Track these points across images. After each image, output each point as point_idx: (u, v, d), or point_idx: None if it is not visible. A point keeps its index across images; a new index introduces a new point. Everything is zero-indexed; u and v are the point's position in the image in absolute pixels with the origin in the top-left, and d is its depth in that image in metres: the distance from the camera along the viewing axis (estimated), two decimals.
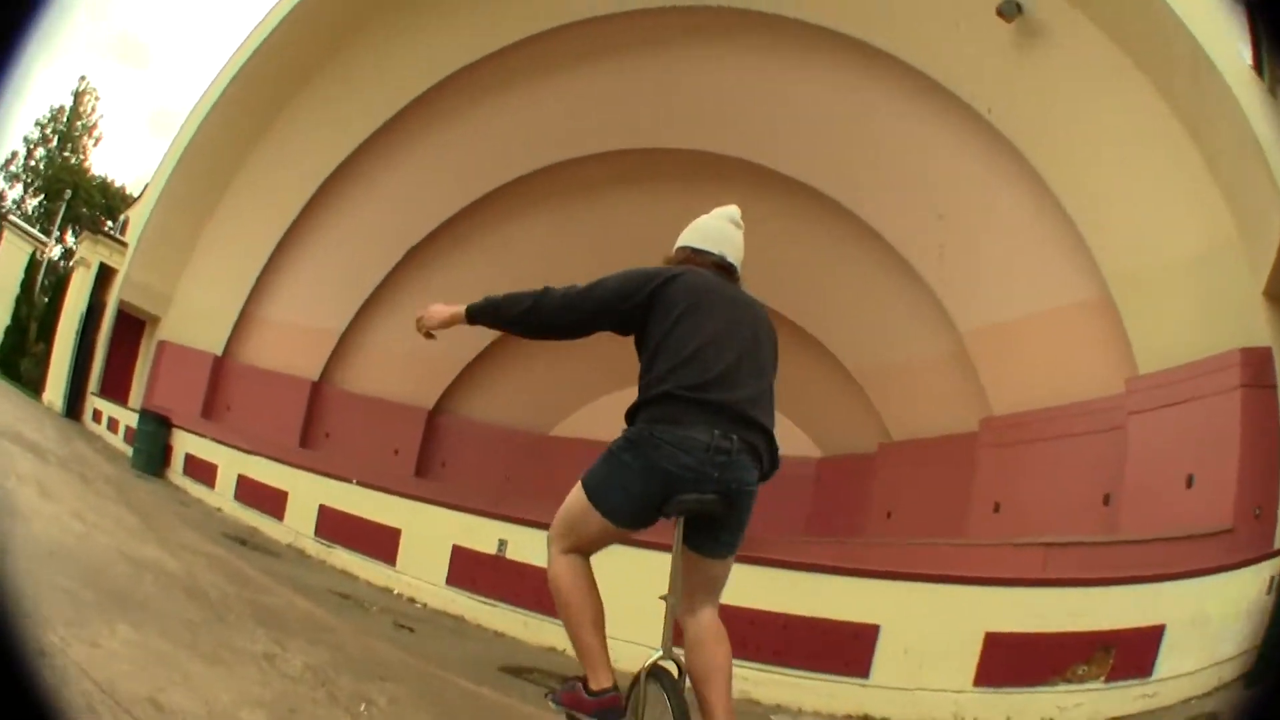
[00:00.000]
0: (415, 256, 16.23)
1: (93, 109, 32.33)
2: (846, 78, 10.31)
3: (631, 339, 2.84)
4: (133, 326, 18.37)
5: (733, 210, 3.08)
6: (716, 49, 11.72)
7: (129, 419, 15.56)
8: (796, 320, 12.31)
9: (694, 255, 2.94)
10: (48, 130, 31.41)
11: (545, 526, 2.84)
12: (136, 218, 18.41)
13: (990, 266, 9.57)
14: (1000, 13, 7.93)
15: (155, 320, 18.10)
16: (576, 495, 2.70)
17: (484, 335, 15.88)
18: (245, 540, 9.07)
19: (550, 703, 2.86)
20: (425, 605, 7.78)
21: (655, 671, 2.56)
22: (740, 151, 12.17)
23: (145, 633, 3.73)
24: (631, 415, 2.68)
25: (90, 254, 18.60)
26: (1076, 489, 8.09)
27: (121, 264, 18.16)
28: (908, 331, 11.15)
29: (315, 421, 16.79)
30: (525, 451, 16.09)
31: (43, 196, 27.17)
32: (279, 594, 6.38)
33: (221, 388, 17.00)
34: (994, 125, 8.85)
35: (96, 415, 17.67)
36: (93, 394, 18.04)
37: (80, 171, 29.81)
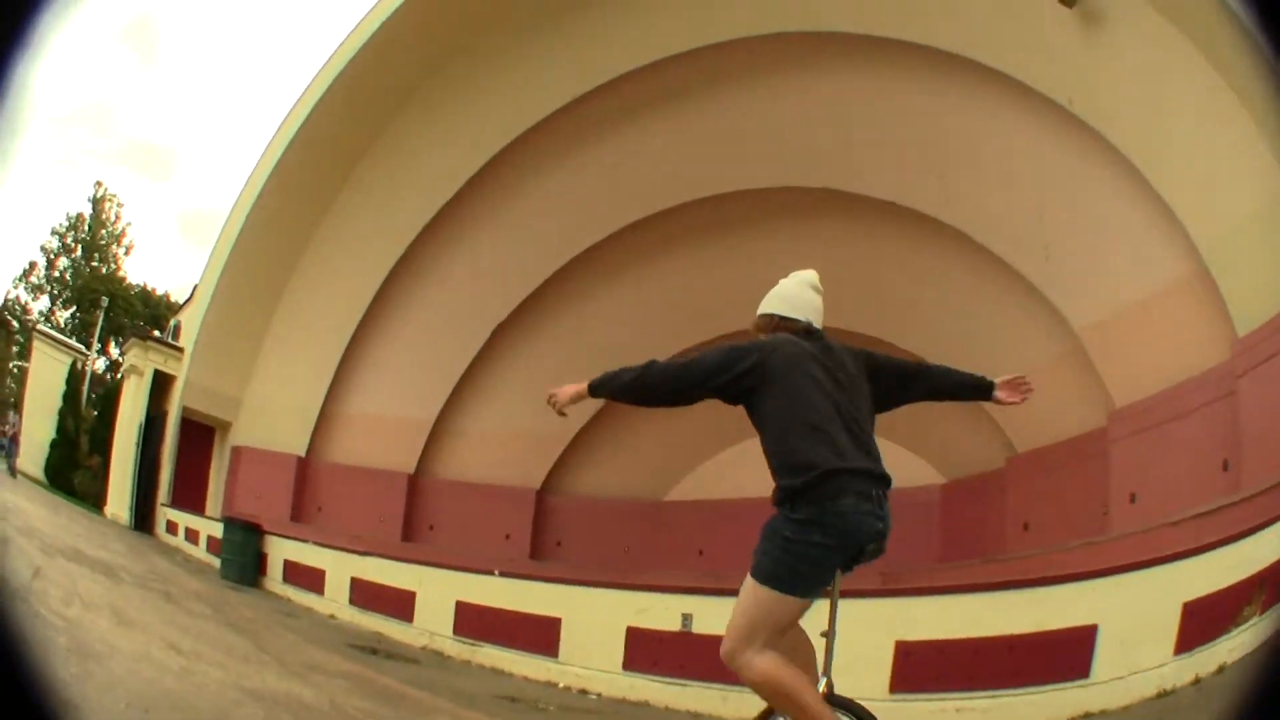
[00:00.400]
0: (502, 334, 15.54)
1: (116, 216, 31.81)
2: (921, 86, 10.05)
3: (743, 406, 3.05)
4: (201, 433, 17.67)
5: (812, 275, 3.27)
6: (782, 78, 11.36)
7: (211, 528, 14.80)
8: (904, 345, 11.76)
9: (782, 323, 3.14)
10: (68, 240, 30.91)
11: (734, 593, 2.94)
12: (190, 321, 17.84)
13: (1094, 258, 9.39)
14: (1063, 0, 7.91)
15: (225, 425, 17.42)
16: (760, 594, 2.82)
17: (584, 412, 14.67)
18: (375, 649, 8.23)
19: None
20: (600, 695, 7.15)
21: (832, 699, 2.79)
22: (823, 181, 11.64)
23: None
24: (794, 495, 2.81)
25: (141, 361, 17.90)
26: (1203, 462, 7.98)
27: (179, 370, 17.57)
28: (1020, 338, 10.73)
29: (416, 515, 15.92)
30: (642, 520, 15.26)
31: (75, 308, 26.57)
32: (443, 709, 5.59)
33: (309, 489, 16.21)
34: (1077, 115, 8.64)
35: (171, 527, 16.84)
36: (164, 505, 17.27)
37: (115, 280, 29.17)
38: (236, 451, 16.90)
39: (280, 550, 12.67)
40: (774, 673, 2.76)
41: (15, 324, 31.13)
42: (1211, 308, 7.93)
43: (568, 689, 7.28)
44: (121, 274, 29.89)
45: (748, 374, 2.93)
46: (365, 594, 10.45)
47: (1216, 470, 7.68)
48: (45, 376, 21.96)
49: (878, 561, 2.99)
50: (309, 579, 11.59)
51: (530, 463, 15.91)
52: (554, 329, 15.26)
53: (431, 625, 9.27)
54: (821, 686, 2.84)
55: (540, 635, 7.86)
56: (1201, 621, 4.83)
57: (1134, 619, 4.96)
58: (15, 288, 29.78)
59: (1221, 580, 4.94)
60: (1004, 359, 10.28)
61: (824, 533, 2.76)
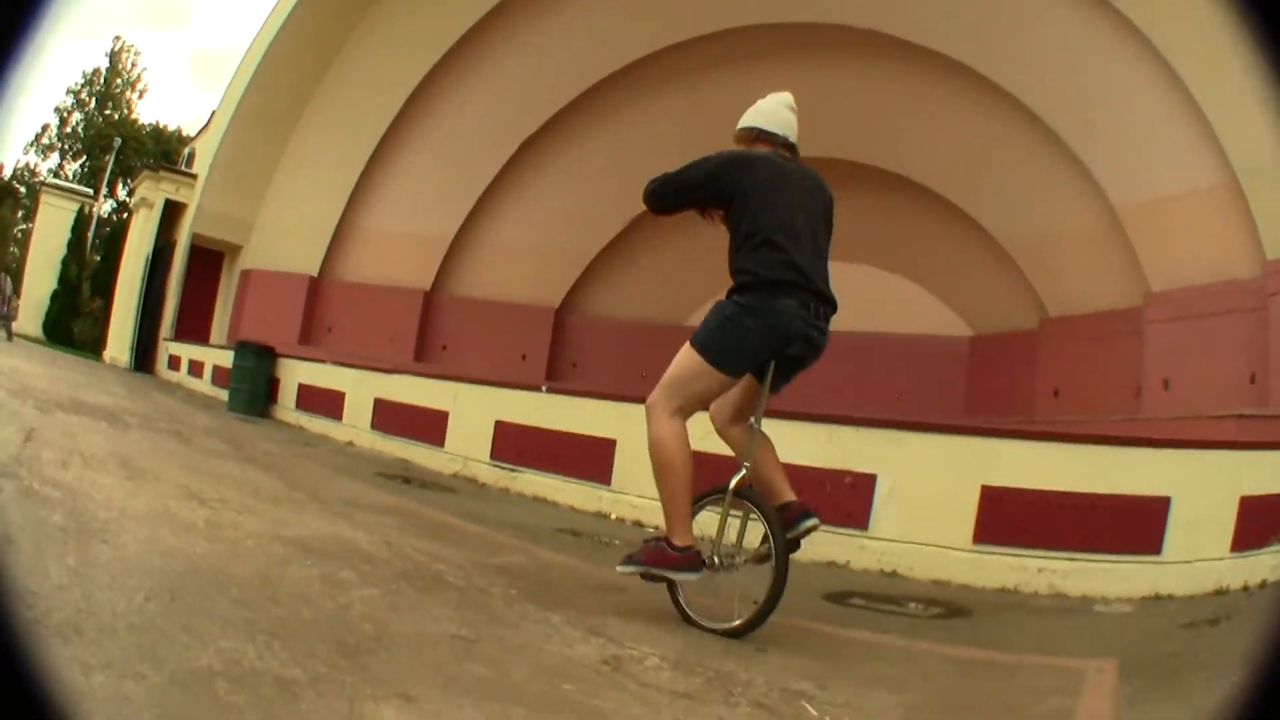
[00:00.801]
0: (529, 149, 14.39)
1: (133, 64, 30.79)
2: None
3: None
4: (209, 261, 16.47)
5: (789, 97, 3.46)
6: None
7: (217, 358, 13.50)
8: (947, 195, 11.93)
9: (762, 135, 3.35)
10: (83, 95, 29.84)
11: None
12: (206, 148, 16.55)
13: (1136, 146, 9.38)
14: None
15: (236, 250, 16.11)
16: (691, 359, 3.06)
17: (605, 230, 14.75)
18: (407, 478, 7.00)
19: (628, 568, 3.07)
20: (658, 528, 6.18)
21: (740, 490, 3.07)
22: (873, 23, 11.26)
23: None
24: (745, 288, 3.05)
25: (152, 193, 16.58)
26: (1233, 368, 8.20)
27: (191, 198, 16.49)
28: (1062, 205, 10.58)
29: (431, 334, 14.81)
30: (662, 344, 14.22)
31: (84, 159, 25.47)
32: (511, 546, 4.55)
33: (320, 310, 15.00)
34: (1132, 21, 8.71)
35: (174, 362, 15.61)
36: (166, 340, 16.09)
37: (128, 123, 28.12)
38: (245, 275, 15.63)
39: (293, 374, 11.23)
40: (667, 440, 3.01)
41: (23, 190, 30.15)
42: (1242, 222, 8.07)
43: (621, 520, 6.18)
44: (134, 116, 28.87)
45: (735, 178, 3.16)
46: (390, 417, 9.05)
47: (1244, 380, 7.87)
48: (50, 230, 20.81)
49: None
50: (326, 403, 10.14)
51: (549, 282, 14.96)
52: (582, 146, 14.24)
53: (466, 450, 8.09)
54: (737, 478, 3.07)
55: (594, 460, 6.66)
56: (1255, 522, 4.64)
57: (1200, 500, 4.67)
58: (26, 153, 28.80)
59: (1273, 486, 4.76)
60: (1045, 221, 10.80)
61: (757, 319, 3.00)
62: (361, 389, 9.62)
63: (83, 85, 30.43)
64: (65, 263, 19.76)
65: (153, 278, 16.53)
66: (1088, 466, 4.77)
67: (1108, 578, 4.51)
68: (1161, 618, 4.04)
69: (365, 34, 14.67)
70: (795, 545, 3.05)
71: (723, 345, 3.02)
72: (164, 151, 27.84)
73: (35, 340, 19.21)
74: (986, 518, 4.75)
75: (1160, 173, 9.05)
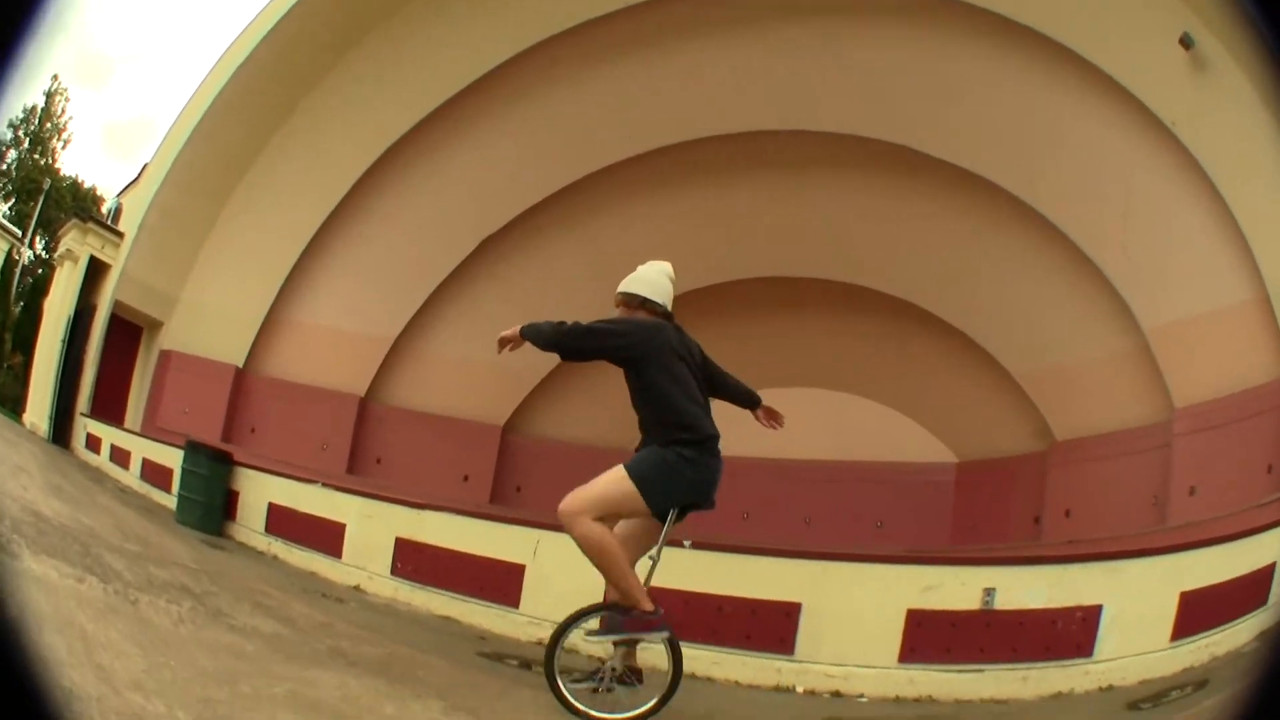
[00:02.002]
0: (487, 250, 13.19)
1: (63, 110, 29.18)
2: (1025, 64, 9.42)
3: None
4: (128, 333, 15.00)
5: (668, 266, 4.10)
6: (882, 24, 10.03)
7: (150, 451, 11.94)
8: (963, 325, 11.21)
9: (645, 304, 3.98)
10: (20, 132, 28.22)
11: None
12: (134, 205, 15.15)
13: (1168, 266, 9.29)
14: (1182, 42, 8.12)
15: (156, 326, 14.64)
16: (622, 484, 3.59)
17: (552, 357, 13.81)
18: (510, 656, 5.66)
19: (607, 636, 3.60)
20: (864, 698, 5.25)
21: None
22: (905, 139, 10.38)
23: None
24: (686, 443, 3.70)
25: (78, 246, 14.97)
26: (1253, 463, 8.17)
27: (116, 259, 15.01)
28: (1080, 330, 10.15)
29: (365, 444, 13.54)
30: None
31: (14, 199, 23.94)
32: None
33: (244, 406, 13.65)
34: (1178, 137, 8.52)
35: (92, 442, 14.01)
36: (83, 414, 14.57)
37: (51, 171, 26.62)
38: (165, 356, 14.14)
39: (261, 491, 9.51)
40: (599, 534, 3.53)
41: None
42: (1268, 332, 8.13)
43: (811, 693, 5.36)
44: (57, 165, 27.37)
45: (639, 347, 3.77)
46: (426, 564, 7.50)
47: (1262, 472, 7.93)
48: None
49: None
50: (315, 535, 8.53)
51: (495, 398, 13.72)
52: (547, 249, 13.06)
53: (541, 611, 6.51)
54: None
55: (772, 627, 5.63)
56: (1193, 615, 4.83)
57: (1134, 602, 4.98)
58: None
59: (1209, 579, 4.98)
60: (1060, 346, 10.33)
61: (693, 471, 3.65)
62: (374, 525, 8.12)
63: (22, 121, 28.61)
64: None
65: (72, 341, 14.97)
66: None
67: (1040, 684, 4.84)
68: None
69: (317, 102, 13.30)
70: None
71: (658, 486, 3.54)
72: (81, 208, 26.14)
73: None
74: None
75: (1191, 292, 8.92)
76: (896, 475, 11.76)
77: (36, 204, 21.78)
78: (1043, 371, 10.49)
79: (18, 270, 19.71)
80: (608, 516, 3.58)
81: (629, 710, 3.58)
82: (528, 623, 6.55)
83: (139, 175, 15.54)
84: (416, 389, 13.74)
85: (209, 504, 9.39)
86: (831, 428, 11.66)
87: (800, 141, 10.91)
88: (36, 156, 27.42)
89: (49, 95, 28.73)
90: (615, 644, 3.61)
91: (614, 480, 3.59)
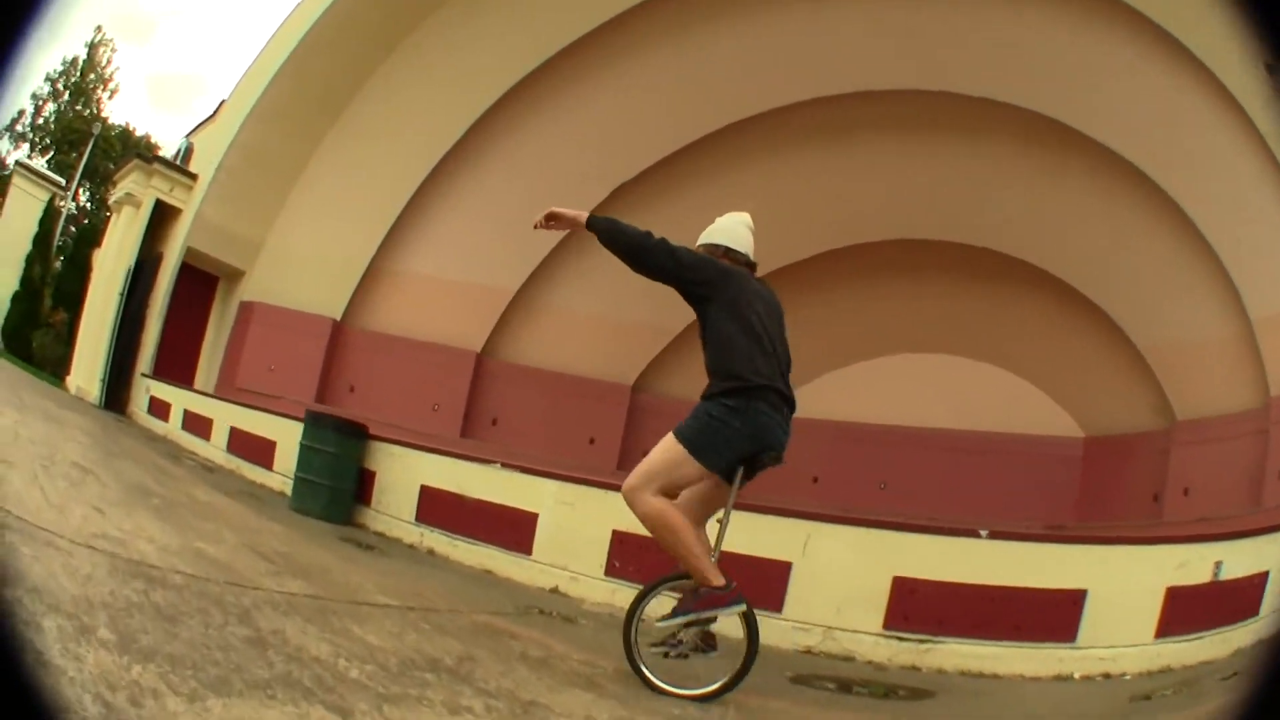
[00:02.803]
0: (623, 194, 11.54)
1: (108, 61, 27.67)
2: (1164, 66, 8.89)
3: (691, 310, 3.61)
4: (200, 285, 13.35)
5: (747, 217, 3.82)
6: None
7: (240, 419, 9.82)
8: (1083, 290, 10.71)
9: (729, 253, 3.65)
10: (59, 85, 26.68)
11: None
12: (209, 145, 13.43)
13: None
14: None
15: (235, 276, 12.94)
16: (673, 449, 3.31)
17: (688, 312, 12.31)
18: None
19: (676, 620, 3.29)
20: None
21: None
22: (1054, 111, 9.75)
23: None
24: (731, 392, 3.34)
25: (141, 190, 13.10)
26: None
27: (188, 203, 13.33)
28: (1201, 312, 9.76)
29: (480, 403, 11.89)
30: None
31: (53, 152, 22.18)
32: None
33: (340, 363, 11.99)
34: None
35: (158, 408, 11.95)
36: (144, 375, 12.77)
37: (99, 119, 25.03)
38: (247, 309, 12.42)
39: (411, 471, 7.42)
40: (663, 509, 3.27)
41: None
42: None
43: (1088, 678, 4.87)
44: (104, 114, 25.77)
45: (714, 287, 3.45)
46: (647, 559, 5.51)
47: None
48: (17, 219, 17.24)
49: None
50: (490, 526, 6.59)
51: (622, 357, 12.33)
52: (676, 201, 11.35)
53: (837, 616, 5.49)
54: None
55: (1054, 615, 5.00)
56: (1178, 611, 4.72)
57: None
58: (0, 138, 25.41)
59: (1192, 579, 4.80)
60: (1181, 326, 9.97)
61: (741, 421, 3.28)
62: (577, 515, 6.21)
63: (60, 74, 27.18)
64: (30, 260, 16.27)
65: (132, 294, 13.21)
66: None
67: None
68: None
69: (438, 27, 11.68)
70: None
71: (708, 442, 3.29)
72: (142, 149, 24.79)
73: None
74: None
75: None
76: (1022, 448, 11.25)
77: (83, 152, 20.03)
78: (1166, 350, 10.14)
79: (60, 221, 17.91)
80: (670, 487, 3.33)
81: (705, 685, 3.32)
82: (792, 628, 5.14)
83: (214, 113, 13.83)
84: (538, 345, 12.17)
85: (336, 488, 7.44)
86: (963, 396, 11.44)
87: (951, 104, 10.04)
88: (79, 108, 25.92)
89: (91, 46, 27.26)
90: (688, 624, 3.31)
91: (665, 448, 3.35)
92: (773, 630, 4.75)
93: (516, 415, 11.81)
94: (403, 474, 7.49)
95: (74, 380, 13.60)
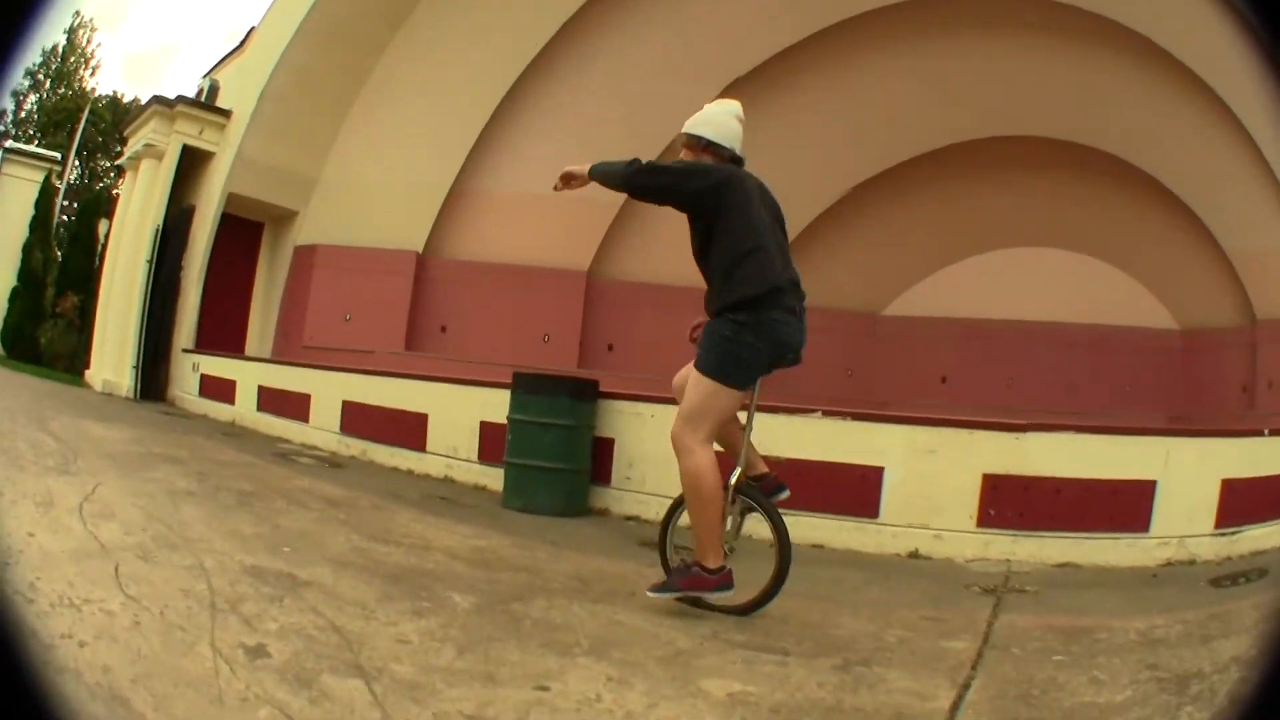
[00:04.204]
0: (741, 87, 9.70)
1: (88, 40, 25.66)
2: None
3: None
4: (243, 234, 11.33)
5: (736, 106, 3.40)
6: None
7: (350, 388, 7.66)
8: (1178, 192, 10.46)
9: (709, 147, 3.29)
10: (40, 75, 24.64)
11: None
12: (239, 78, 11.24)
13: None
14: None
15: (286, 218, 10.89)
16: (705, 385, 3.07)
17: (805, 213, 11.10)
18: None
19: (663, 594, 3.11)
20: None
21: (740, 486, 3.18)
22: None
23: None
24: (738, 306, 3.07)
25: (162, 138, 11.01)
26: None
27: (223, 144, 11.32)
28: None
29: (593, 329, 10.23)
30: (864, 336, 12.00)
31: (38, 141, 20.07)
32: None
33: (426, 302, 10.08)
34: None
35: (216, 388, 9.60)
36: (186, 351, 10.55)
37: (83, 95, 22.97)
38: (307, 253, 10.42)
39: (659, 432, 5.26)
40: (704, 472, 3.00)
41: None
42: None
43: None
44: (89, 88, 23.86)
45: (717, 194, 3.11)
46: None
47: None
48: (9, 207, 15.06)
49: None
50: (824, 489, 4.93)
51: None
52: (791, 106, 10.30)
53: None
54: (735, 475, 3.16)
55: None
56: (1236, 503, 4.65)
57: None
58: None
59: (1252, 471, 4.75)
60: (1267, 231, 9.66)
61: (756, 335, 3.05)
62: (940, 465, 4.86)
63: (40, 65, 25.12)
64: (27, 248, 14.02)
65: (161, 258, 11.17)
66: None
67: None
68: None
69: None
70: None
71: (731, 365, 3.08)
72: (159, 97, 22.75)
73: None
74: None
75: None
76: (1128, 339, 11.28)
77: (77, 126, 17.86)
78: (1249, 253, 10.00)
79: (58, 197, 15.68)
80: (715, 425, 3.09)
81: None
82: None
83: (241, 43, 11.85)
84: (642, 261, 10.46)
85: (577, 471, 5.61)
86: (1075, 289, 11.35)
87: (1093, 21, 9.34)
88: (62, 90, 23.85)
89: (71, 31, 25.12)
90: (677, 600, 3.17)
91: (694, 385, 3.10)
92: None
93: (628, 340, 10.26)
94: (658, 435, 5.60)
95: (97, 373, 11.36)
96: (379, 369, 7.84)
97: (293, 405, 8.20)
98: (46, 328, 13.20)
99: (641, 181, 3.18)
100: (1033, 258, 11.60)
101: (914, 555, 4.70)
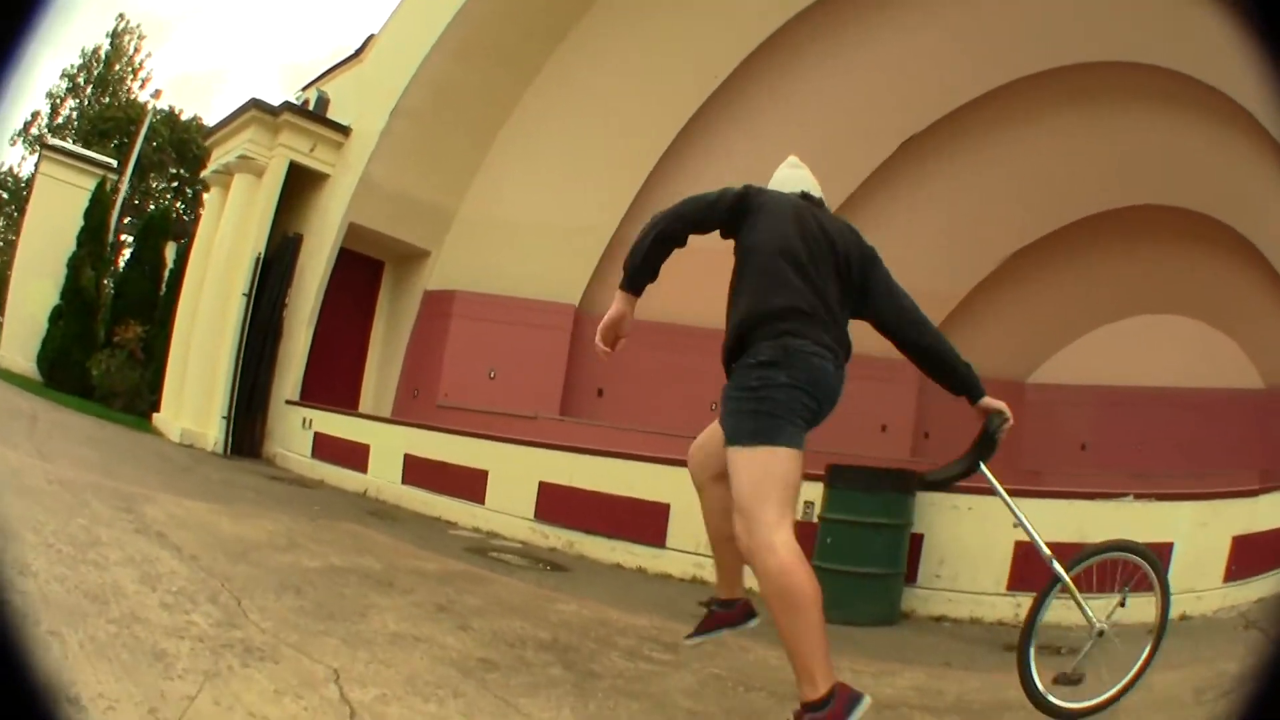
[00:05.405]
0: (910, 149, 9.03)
1: (136, 49, 23.96)
2: None
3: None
4: (360, 271, 10.03)
5: (792, 158, 2.98)
6: None
7: (540, 467, 6.36)
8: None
9: None
10: (79, 79, 22.91)
11: None
12: (355, 90, 9.78)
13: None
14: None
15: (416, 258, 9.50)
16: (746, 458, 2.28)
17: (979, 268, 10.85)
18: None
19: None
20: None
21: None
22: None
23: None
24: (752, 328, 2.39)
25: (263, 151, 9.56)
26: None
27: (340, 164, 9.87)
28: None
29: None
30: (1012, 405, 10.30)
31: (81, 148, 18.43)
32: None
33: (584, 362, 8.74)
34: None
35: (335, 450, 8.12)
36: (291, 403, 9.06)
37: (134, 106, 21.27)
38: (440, 300, 9.03)
39: (991, 521, 4.73)
40: (798, 564, 2.15)
41: (3, 194, 22.66)
42: None
43: None
44: (141, 100, 22.27)
45: (738, 198, 2.57)
46: None
47: None
48: (51, 214, 13.22)
49: None
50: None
51: None
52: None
53: None
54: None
55: None
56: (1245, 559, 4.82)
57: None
58: (13, 144, 21.52)
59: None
60: None
61: (788, 371, 2.30)
62: None
63: (79, 68, 23.45)
64: (75, 263, 12.31)
65: (261, 292, 9.64)
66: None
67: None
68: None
69: None
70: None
71: (766, 416, 2.33)
72: (180, 141, 21.12)
73: (22, 381, 11.70)
74: None
75: None
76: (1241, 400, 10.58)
77: (136, 136, 16.19)
78: None
79: (114, 212, 13.99)
80: (793, 499, 2.28)
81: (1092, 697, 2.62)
82: None
83: (358, 51, 10.45)
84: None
85: (892, 577, 4.74)
86: (1189, 355, 10.97)
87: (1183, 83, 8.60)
88: (105, 99, 22.14)
89: (114, 34, 23.40)
90: None
91: (735, 468, 2.29)
92: None
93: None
94: (974, 530, 4.72)
95: (171, 419, 9.72)
96: (578, 445, 6.42)
97: (458, 481, 6.75)
98: (101, 358, 11.54)
99: (693, 217, 2.58)
100: (1157, 325, 11.41)
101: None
